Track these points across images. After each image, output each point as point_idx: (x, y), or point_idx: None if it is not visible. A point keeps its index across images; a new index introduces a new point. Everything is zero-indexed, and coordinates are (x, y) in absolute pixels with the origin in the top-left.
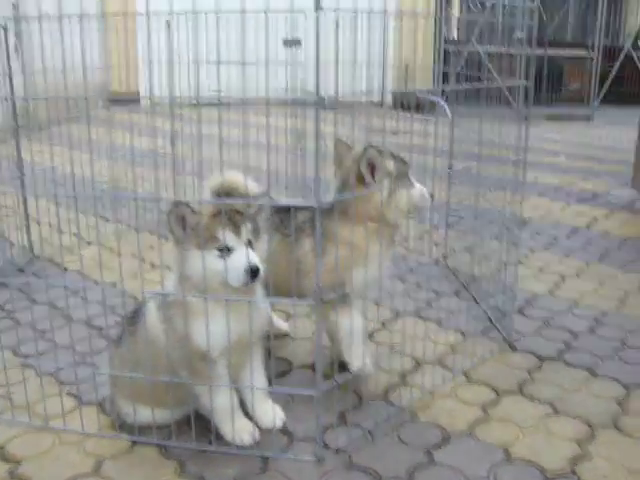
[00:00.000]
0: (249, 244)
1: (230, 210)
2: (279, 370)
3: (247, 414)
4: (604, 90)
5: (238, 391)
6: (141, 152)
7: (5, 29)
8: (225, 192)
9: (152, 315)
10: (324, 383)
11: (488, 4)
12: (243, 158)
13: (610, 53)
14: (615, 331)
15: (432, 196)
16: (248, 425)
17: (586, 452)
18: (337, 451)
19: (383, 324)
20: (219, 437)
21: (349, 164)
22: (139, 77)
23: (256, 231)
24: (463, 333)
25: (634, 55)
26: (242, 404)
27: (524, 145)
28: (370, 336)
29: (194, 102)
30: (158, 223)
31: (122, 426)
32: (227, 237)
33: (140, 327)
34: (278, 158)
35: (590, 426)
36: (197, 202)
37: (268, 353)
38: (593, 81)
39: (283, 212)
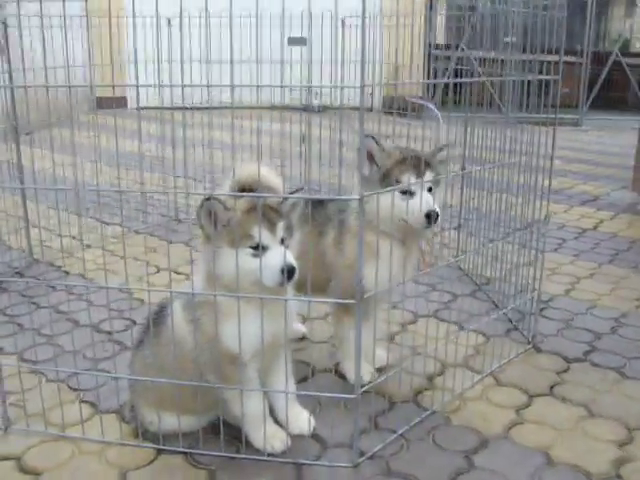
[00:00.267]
0: (282, 242)
1: (264, 206)
2: (302, 374)
3: (275, 420)
4: (593, 95)
5: (266, 395)
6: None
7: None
8: (249, 187)
9: (178, 316)
10: (361, 386)
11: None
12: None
13: (598, 58)
14: (637, 332)
15: (437, 216)
16: (279, 432)
17: (628, 454)
18: (372, 457)
19: (402, 326)
20: (248, 444)
21: (385, 162)
22: (128, 79)
23: (290, 229)
24: (485, 335)
25: (622, 60)
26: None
27: (551, 152)
28: (391, 339)
29: (205, 105)
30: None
31: (144, 434)
32: (262, 235)
33: (164, 329)
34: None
35: (627, 428)
36: (230, 197)
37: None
38: (582, 86)
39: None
